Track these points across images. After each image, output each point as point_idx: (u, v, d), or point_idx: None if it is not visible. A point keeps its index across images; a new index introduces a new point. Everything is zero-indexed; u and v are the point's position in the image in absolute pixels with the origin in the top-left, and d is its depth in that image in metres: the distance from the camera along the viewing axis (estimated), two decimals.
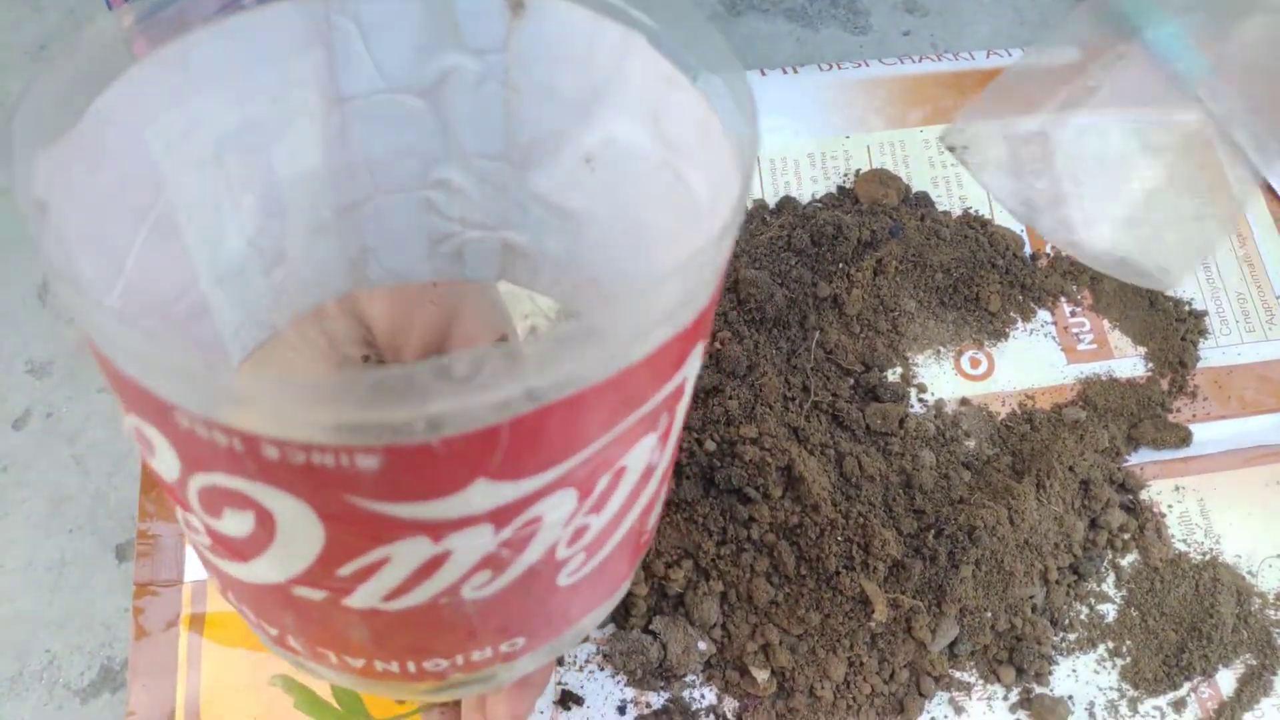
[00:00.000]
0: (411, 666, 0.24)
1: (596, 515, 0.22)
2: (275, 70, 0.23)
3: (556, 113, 0.26)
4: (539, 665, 0.26)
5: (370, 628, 0.22)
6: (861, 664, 0.45)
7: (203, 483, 0.20)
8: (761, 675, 0.44)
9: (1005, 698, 0.46)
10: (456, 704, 0.39)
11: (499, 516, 0.19)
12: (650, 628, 0.45)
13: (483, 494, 0.18)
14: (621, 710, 0.45)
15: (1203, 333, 0.54)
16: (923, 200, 0.56)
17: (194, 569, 0.47)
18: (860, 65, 0.60)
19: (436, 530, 0.19)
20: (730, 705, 0.45)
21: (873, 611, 0.45)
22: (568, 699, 0.45)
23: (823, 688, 0.44)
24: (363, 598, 0.21)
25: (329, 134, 0.26)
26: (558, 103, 0.26)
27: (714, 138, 0.22)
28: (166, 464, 0.20)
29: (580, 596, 0.25)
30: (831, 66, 0.60)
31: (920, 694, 0.45)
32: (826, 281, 0.52)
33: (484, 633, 0.23)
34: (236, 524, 0.20)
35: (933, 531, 0.46)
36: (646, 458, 0.21)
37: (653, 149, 0.24)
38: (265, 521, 0.20)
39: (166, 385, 0.17)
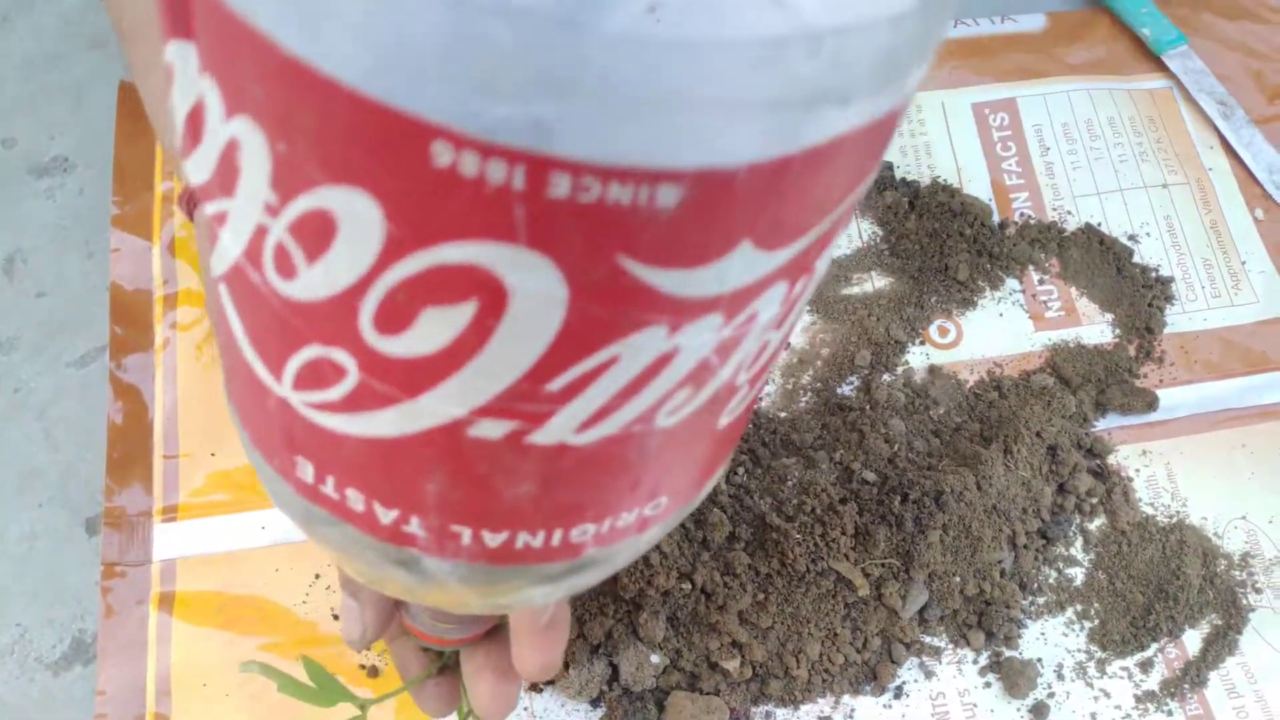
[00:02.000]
0: (556, 538, 0.21)
1: (775, 332, 0.20)
2: None
3: None
4: (634, 553, 0.24)
5: (539, 477, 0.19)
6: (835, 635, 0.45)
7: (414, 268, 0.16)
8: (732, 664, 0.44)
9: (975, 661, 0.46)
10: (454, 677, 0.36)
11: (734, 303, 0.18)
12: (600, 650, 0.44)
13: (741, 265, 0.17)
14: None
15: (1169, 299, 0.54)
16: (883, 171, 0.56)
17: (162, 548, 0.46)
18: None
19: (679, 315, 0.17)
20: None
21: (848, 585, 0.45)
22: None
23: (798, 666, 0.44)
24: (557, 427, 0.18)
25: None
26: None
27: None
28: (347, 259, 0.16)
29: (719, 449, 0.23)
30: None
31: (892, 661, 0.45)
32: None
33: (644, 484, 0.21)
34: (436, 330, 0.17)
35: (898, 497, 0.46)
36: (807, 286, 0.19)
37: None
38: (488, 313, 0.16)
39: (450, 91, 0.13)
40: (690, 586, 0.44)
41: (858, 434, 0.49)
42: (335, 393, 0.18)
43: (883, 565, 0.45)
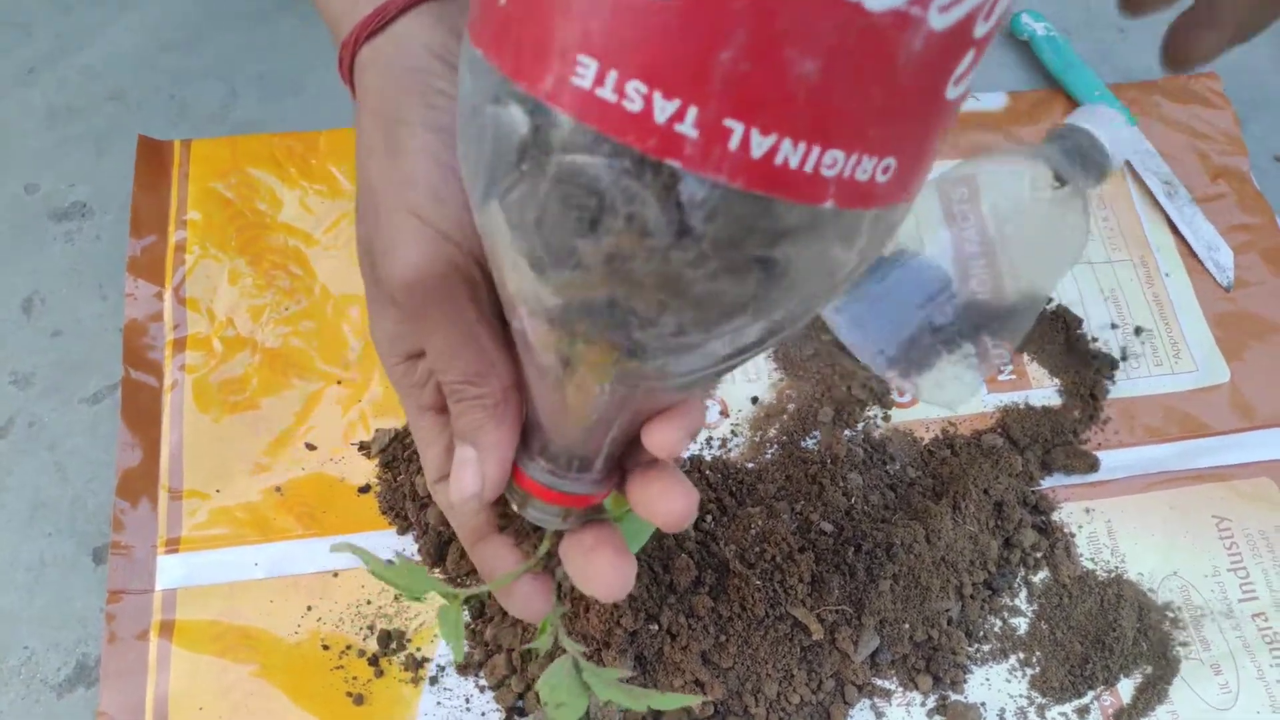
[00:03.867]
0: (811, 160, 0.20)
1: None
2: None
3: None
4: (844, 260, 0.23)
5: (825, 52, 0.19)
6: (792, 676, 0.48)
7: None
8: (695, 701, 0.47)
9: (923, 704, 0.49)
10: (548, 578, 0.33)
11: None
12: None
13: None
14: None
15: (1114, 366, 0.58)
16: None
17: (164, 578, 0.50)
18: None
19: None
20: None
21: (804, 629, 0.48)
22: (513, 713, 0.48)
23: (757, 705, 0.47)
24: None
25: None
26: None
27: None
28: None
29: (939, 124, 0.22)
30: None
31: (845, 702, 0.49)
32: None
33: (892, 114, 0.21)
34: None
35: (853, 548, 0.50)
36: None
37: None
38: None
39: None
40: (656, 628, 0.48)
41: (818, 486, 0.52)
42: None
43: (836, 611, 0.49)
